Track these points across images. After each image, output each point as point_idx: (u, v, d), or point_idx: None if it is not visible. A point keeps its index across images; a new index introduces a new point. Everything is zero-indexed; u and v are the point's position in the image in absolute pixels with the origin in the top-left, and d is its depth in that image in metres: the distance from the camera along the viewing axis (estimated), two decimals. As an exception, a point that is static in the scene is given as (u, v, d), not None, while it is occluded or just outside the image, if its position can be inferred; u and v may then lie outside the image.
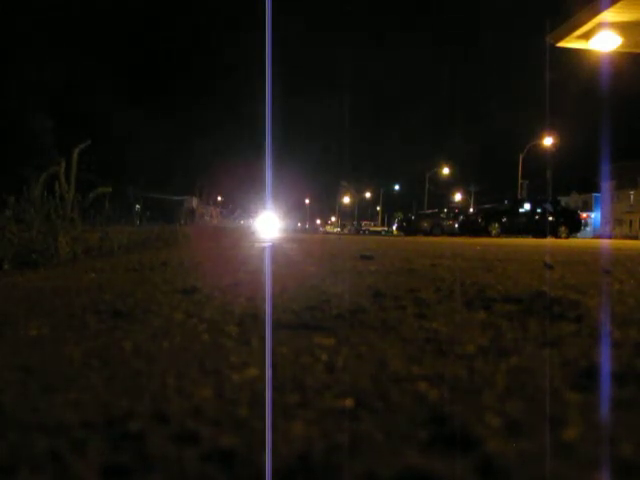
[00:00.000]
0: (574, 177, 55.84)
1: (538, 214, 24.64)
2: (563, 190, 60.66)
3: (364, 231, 48.79)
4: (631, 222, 53.52)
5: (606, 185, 58.49)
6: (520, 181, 42.38)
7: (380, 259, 4.71)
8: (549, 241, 16.43)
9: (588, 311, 1.91)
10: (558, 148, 44.98)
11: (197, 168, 56.08)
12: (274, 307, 1.90)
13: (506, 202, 27.46)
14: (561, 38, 18.72)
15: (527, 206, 25.22)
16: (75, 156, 5.61)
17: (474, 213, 26.34)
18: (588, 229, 53.56)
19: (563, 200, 58.52)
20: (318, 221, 68.92)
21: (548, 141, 41.35)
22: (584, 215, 57.25)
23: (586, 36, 18.51)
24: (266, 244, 7.81)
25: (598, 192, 61.04)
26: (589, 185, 61.04)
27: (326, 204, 68.16)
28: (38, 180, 5.07)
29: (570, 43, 19.25)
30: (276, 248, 6.95)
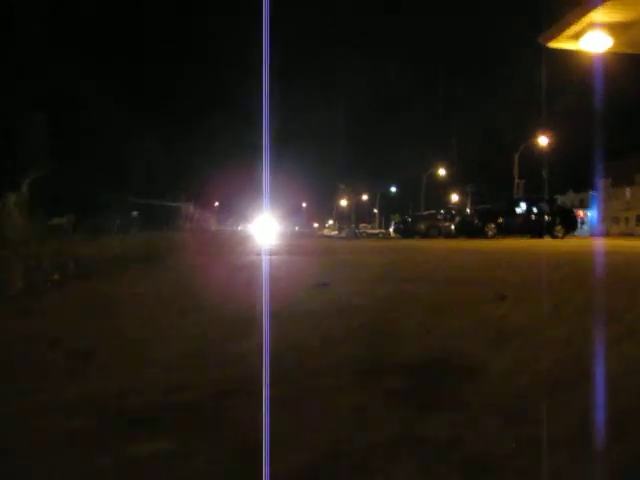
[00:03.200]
0: (571, 176, 55.92)
1: (534, 214, 24.68)
2: (560, 189, 60.75)
3: (361, 233, 48.82)
4: (627, 219, 53.61)
5: (602, 183, 58.64)
6: (517, 181, 42.48)
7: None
8: (544, 242, 16.48)
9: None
10: (554, 147, 45.05)
11: (194, 173, 56.08)
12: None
13: (502, 202, 27.54)
14: (552, 38, 18.76)
15: (523, 206, 25.26)
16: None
17: (470, 214, 26.34)
18: (585, 227, 53.65)
19: (560, 199, 58.67)
20: (316, 224, 69.03)
21: (543, 140, 41.48)
22: (581, 213, 57.50)
23: (576, 36, 18.57)
24: (262, 256, 7.58)
25: (595, 190, 61.19)
26: (586, 183, 61.15)
27: (323, 207, 68.47)
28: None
29: (561, 43, 19.30)
30: (275, 264, 6.51)
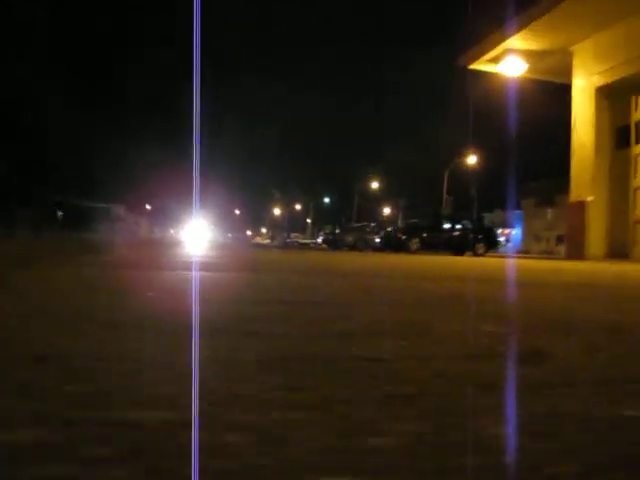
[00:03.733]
0: (499, 194, 57.94)
1: (458, 230, 25.33)
2: (489, 207, 62.73)
3: (293, 243, 48.86)
4: (548, 239, 55.86)
5: (527, 203, 60.95)
6: (445, 197, 43.61)
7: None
8: (457, 259, 16.86)
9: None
10: (484, 166, 46.55)
11: (126, 175, 54.66)
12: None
13: (428, 218, 28.19)
14: (472, 61, 19.56)
15: (447, 222, 25.90)
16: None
17: (394, 229, 26.86)
18: (510, 245, 55.52)
19: (487, 217, 60.63)
20: (249, 232, 68.68)
21: (472, 159, 42.79)
22: (506, 232, 59.59)
23: (495, 60, 19.42)
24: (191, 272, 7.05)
25: (520, 209, 63.47)
26: (512, 202, 63.35)
27: (257, 214, 68.18)
28: None
29: (480, 66, 20.14)
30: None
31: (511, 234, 58.44)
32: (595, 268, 11.17)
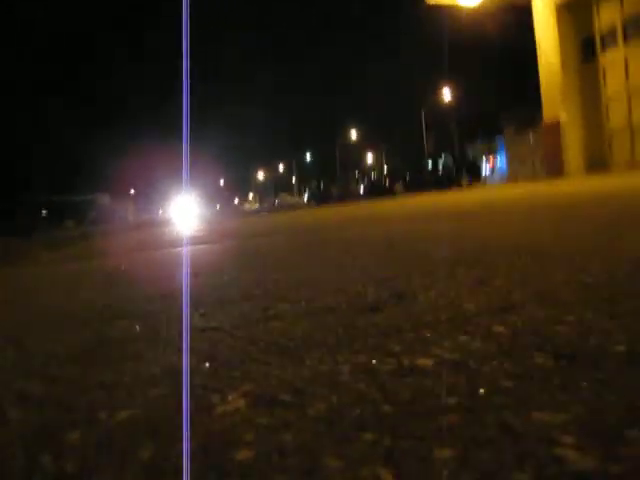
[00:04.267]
0: (479, 125, 57.72)
1: (440, 169, 25.53)
2: (470, 138, 62.47)
3: (282, 204, 48.83)
4: (533, 162, 55.95)
5: (507, 130, 60.69)
6: (426, 136, 43.58)
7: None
8: (441, 195, 17.04)
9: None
10: (461, 99, 46.28)
11: (108, 163, 54.10)
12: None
13: (409, 161, 28.34)
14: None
15: (429, 162, 26.09)
16: None
17: (377, 177, 27.05)
18: (496, 173, 55.60)
19: (470, 148, 60.61)
20: (236, 200, 68.46)
21: (446, 94, 42.52)
22: (491, 161, 59.48)
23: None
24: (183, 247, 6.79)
25: (502, 137, 63.20)
26: (493, 131, 63.06)
27: (242, 181, 67.80)
28: None
29: (440, 0, 19.93)
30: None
31: (496, 162, 58.48)
32: (559, 190, 11.34)
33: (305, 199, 38.84)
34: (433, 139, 44.91)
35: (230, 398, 1.07)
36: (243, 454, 0.84)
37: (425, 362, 1.15)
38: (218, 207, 63.08)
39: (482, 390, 0.96)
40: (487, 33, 21.94)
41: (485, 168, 50.36)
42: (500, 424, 0.83)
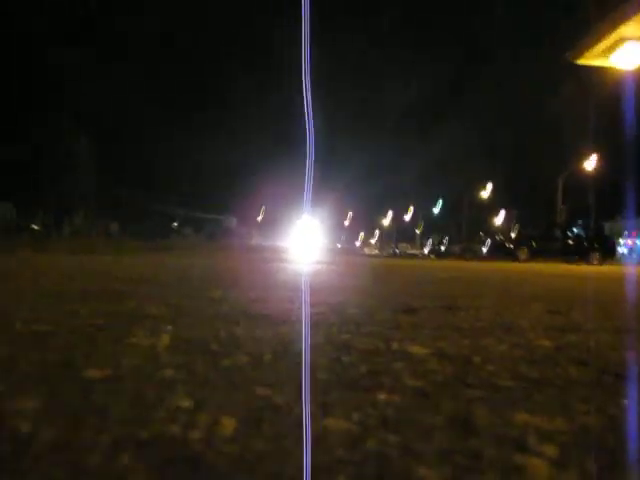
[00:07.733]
0: (620, 201, 54.62)
1: (570, 239, 24.41)
2: (609, 214, 59.16)
3: (401, 253, 48.83)
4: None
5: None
6: (560, 206, 41.72)
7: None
8: (566, 267, 16.33)
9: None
10: (601, 172, 44.06)
11: (238, 191, 57.12)
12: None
13: (539, 227, 27.44)
14: (581, 55, 18.73)
15: (558, 231, 25.05)
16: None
17: (502, 238, 26.36)
18: (635, 253, 52.09)
19: (608, 225, 57.14)
20: (357, 243, 69.12)
21: (588, 165, 40.63)
22: (629, 241, 55.80)
23: (607, 52, 18.47)
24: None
25: (644, 216, 59.25)
26: (637, 209, 59.33)
27: (366, 226, 68.47)
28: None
29: (590, 60, 19.23)
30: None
31: (636, 243, 54.79)
32: None
33: (426, 251, 38.71)
34: (567, 209, 43.04)
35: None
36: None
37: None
38: (339, 246, 63.90)
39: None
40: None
41: (622, 246, 47.35)
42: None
